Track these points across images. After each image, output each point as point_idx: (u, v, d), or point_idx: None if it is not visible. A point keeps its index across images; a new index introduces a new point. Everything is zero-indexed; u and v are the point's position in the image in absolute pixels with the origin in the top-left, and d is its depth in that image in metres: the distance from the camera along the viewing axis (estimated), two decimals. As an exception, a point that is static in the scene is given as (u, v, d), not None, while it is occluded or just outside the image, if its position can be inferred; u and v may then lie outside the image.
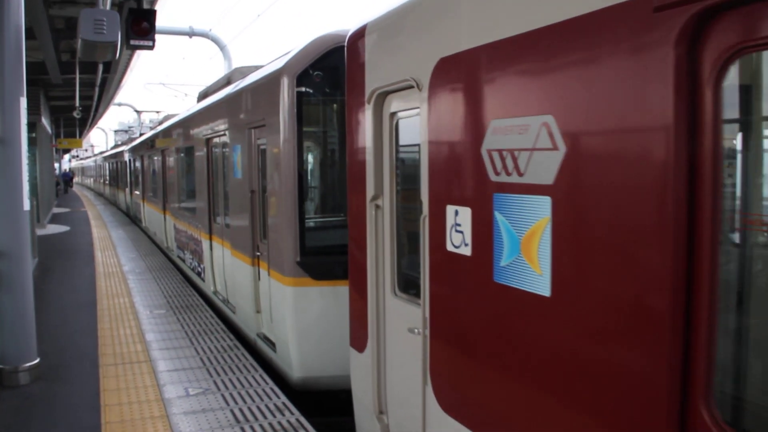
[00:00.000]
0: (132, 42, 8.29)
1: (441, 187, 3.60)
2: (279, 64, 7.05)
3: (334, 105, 6.85)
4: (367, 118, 4.57)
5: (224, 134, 9.27)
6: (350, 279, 5.08)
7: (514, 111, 2.98)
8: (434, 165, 3.65)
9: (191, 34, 20.64)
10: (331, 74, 6.61)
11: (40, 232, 17.90)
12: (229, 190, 9.16)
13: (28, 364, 6.90)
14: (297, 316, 6.59)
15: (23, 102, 6.89)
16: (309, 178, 6.92)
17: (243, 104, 8.33)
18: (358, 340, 4.92)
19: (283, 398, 6.24)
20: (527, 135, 2.88)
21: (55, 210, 31.54)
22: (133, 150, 25.78)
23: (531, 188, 2.86)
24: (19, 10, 6.87)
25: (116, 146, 45.57)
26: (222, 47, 21.58)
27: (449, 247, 3.51)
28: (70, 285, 12.29)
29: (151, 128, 28.00)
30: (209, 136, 10.43)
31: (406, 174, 4.41)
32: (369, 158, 4.58)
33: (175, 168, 14.65)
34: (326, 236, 6.90)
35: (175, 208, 14.55)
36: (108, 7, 8.79)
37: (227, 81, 10.73)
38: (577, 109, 2.61)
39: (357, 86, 4.75)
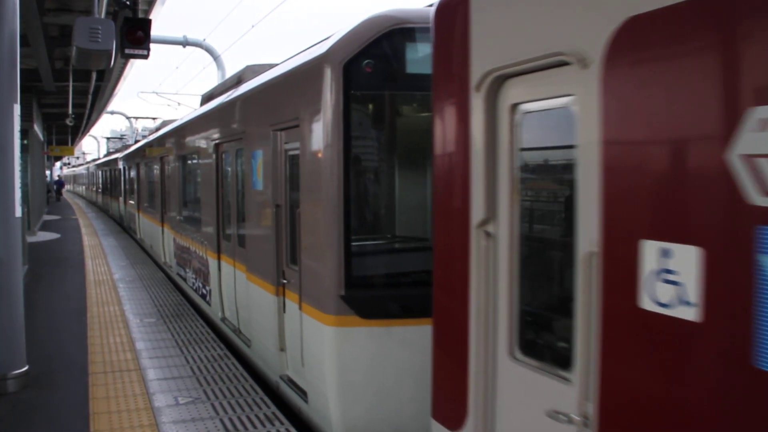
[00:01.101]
0: (127, 51, 8.32)
1: (630, 212, 2.50)
2: (319, 51, 5.70)
3: (390, 101, 5.63)
4: (472, 112, 3.38)
5: (239, 138, 7.99)
6: (437, 330, 3.89)
7: None
8: (615, 178, 2.55)
9: (185, 43, 20.72)
10: (386, 63, 5.31)
11: (30, 239, 17.83)
12: (245, 203, 7.86)
13: (16, 372, 6.86)
14: (340, 364, 5.25)
15: (17, 109, 6.89)
16: (358, 190, 5.54)
17: (267, 102, 7.18)
18: (450, 414, 3.74)
19: (273, 408, 6.23)
20: None
21: (46, 217, 31.41)
22: (128, 157, 24.36)
23: None
24: (15, 17, 6.89)
25: (109, 153, 45.10)
26: (216, 57, 21.64)
27: (646, 304, 2.42)
28: (60, 292, 12.23)
29: (145, 136, 27.85)
30: (219, 141, 9.15)
31: (537, 189, 3.39)
32: (475, 167, 3.35)
33: (176, 177, 13.13)
34: (378, 263, 5.65)
35: (176, 221, 13.05)
36: (103, 15, 8.82)
37: (237, 80, 9.51)
38: None
39: (452, 70, 3.62)
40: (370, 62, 5.22)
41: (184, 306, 10.98)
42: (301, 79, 6.06)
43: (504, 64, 3.12)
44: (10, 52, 6.81)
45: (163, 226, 15.03)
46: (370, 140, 5.69)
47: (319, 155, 5.43)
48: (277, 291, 6.58)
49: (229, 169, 8.84)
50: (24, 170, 18.40)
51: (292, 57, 7.07)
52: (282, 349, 6.62)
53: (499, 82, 3.24)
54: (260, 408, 6.23)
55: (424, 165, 5.61)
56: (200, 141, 10.56)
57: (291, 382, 6.38)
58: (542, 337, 3.35)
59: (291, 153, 6.37)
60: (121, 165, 26.80)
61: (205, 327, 9.46)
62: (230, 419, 5.95)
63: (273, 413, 6.10)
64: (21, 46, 7.07)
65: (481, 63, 3.32)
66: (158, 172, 15.60)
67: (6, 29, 6.77)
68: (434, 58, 3.86)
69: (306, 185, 5.81)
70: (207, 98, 11.55)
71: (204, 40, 21.45)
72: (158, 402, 6.38)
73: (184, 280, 12.18)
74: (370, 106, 5.59)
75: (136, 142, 29.10)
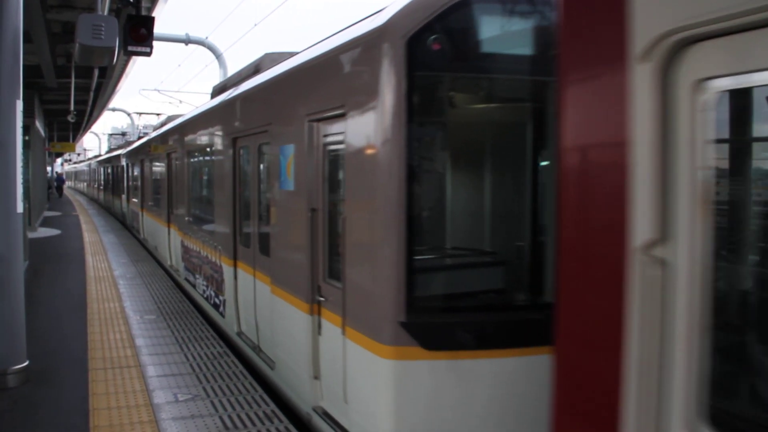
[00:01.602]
0: (130, 48, 8.33)
1: None
2: (374, 23, 4.59)
3: (463, 86, 4.71)
4: (634, 91, 2.35)
5: (263, 131, 6.92)
6: (560, 384, 2.77)
7: None
8: None
9: (187, 41, 20.75)
10: (458, 40, 4.30)
11: (31, 235, 17.84)
12: (269, 205, 6.83)
13: (17, 367, 6.88)
14: (398, 404, 4.25)
15: (19, 105, 6.91)
16: (423, 193, 4.55)
17: (301, 88, 6.12)
18: None
19: (272, 406, 6.25)
20: None
21: (47, 213, 31.43)
22: (131, 154, 23.21)
23: None
24: (18, 13, 6.90)
25: (112, 150, 44.39)
26: (218, 55, 21.67)
27: None
28: (60, 288, 12.25)
29: (147, 133, 27.67)
30: (237, 135, 8.07)
31: (736, 198, 2.46)
32: (639, 165, 2.34)
33: (184, 174, 12.13)
34: (447, 282, 4.81)
35: (185, 222, 11.90)
36: (106, 12, 8.84)
37: (255, 69, 8.51)
38: None
39: (596, 33, 2.60)
40: (439, 37, 4.18)
41: (184, 303, 11.00)
42: (350, 59, 4.97)
43: (691, 22, 2.13)
44: (13, 48, 6.83)
45: (169, 227, 13.98)
46: (437, 133, 4.73)
47: (373, 151, 4.42)
48: (312, 309, 5.56)
49: (249, 166, 7.89)
50: (25, 166, 18.49)
51: (334, 35, 5.81)
52: (316, 377, 5.59)
53: (678, 49, 2.23)
54: (259, 406, 6.24)
55: (504, 165, 4.96)
56: (213, 135, 9.61)
57: (327, 416, 5.38)
58: (740, 405, 2.46)
59: (332, 147, 5.31)
60: (123, 161, 25.88)
61: (204, 324, 9.47)
62: (229, 416, 5.97)
63: (272, 411, 6.11)
64: (24, 42, 7.08)
65: (649, 21, 2.28)
66: (165, 169, 14.51)
67: (9, 25, 6.79)
68: (564, 18, 2.79)
69: (353, 187, 4.79)
70: (219, 90, 10.56)
71: (206, 38, 21.47)
72: (158, 398, 6.40)
73: (194, 286, 11.10)
74: (439, 92, 4.59)
75: (140, 138, 28.28)
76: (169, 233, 14.00)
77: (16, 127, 6.88)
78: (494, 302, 4.64)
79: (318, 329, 5.51)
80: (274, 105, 6.82)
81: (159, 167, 15.71)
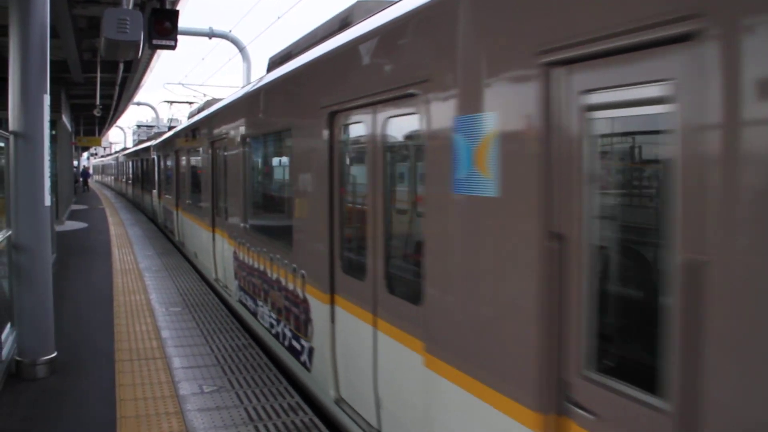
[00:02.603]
0: (154, 42, 8.37)
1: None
2: None
3: None
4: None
5: (401, 95, 4.32)
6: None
7: None
8: None
9: (211, 35, 20.84)
10: None
11: (58, 228, 18.09)
12: (427, 218, 4.05)
13: (45, 358, 6.98)
14: None
15: (47, 99, 7.00)
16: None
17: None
18: None
19: (297, 398, 6.27)
20: None
21: (74, 207, 31.85)
22: (163, 145, 20.75)
23: None
24: (45, 9, 6.98)
25: (140, 142, 42.10)
26: (241, 49, 21.75)
27: None
28: (87, 281, 12.41)
29: (172, 127, 27.47)
30: (338, 108, 5.42)
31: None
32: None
33: (238, 168, 9.34)
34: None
35: (239, 230, 9.28)
36: (131, 6, 8.89)
37: (341, 24, 6.43)
38: None
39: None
40: None
41: (209, 295, 11.07)
42: None
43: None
44: (40, 43, 6.91)
45: (214, 232, 11.47)
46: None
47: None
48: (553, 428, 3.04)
49: (356, 153, 5.42)
50: (53, 160, 18.76)
51: None
52: None
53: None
54: (284, 397, 6.27)
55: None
56: (292, 114, 6.88)
57: None
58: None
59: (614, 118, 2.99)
60: (154, 154, 23.51)
61: (230, 317, 9.50)
62: (254, 408, 6.01)
63: (297, 403, 6.14)
64: (50, 38, 7.16)
65: None
66: (207, 161, 11.93)
67: (37, 21, 6.87)
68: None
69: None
70: (281, 60, 8.21)
71: (230, 31, 21.56)
72: (183, 390, 6.46)
73: (254, 314, 8.53)
74: None
75: (171, 128, 26.33)
76: (214, 240, 11.50)
77: (44, 121, 6.96)
78: None
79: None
80: (440, 47, 3.87)
81: (199, 159, 13.36)
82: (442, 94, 3.81)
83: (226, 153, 10.28)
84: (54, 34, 9.58)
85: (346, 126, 5.50)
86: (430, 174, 3.99)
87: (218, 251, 11.12)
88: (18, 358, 6.95)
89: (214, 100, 13.87)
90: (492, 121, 3.34)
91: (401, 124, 4.59)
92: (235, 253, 9.53)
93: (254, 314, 8.51)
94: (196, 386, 6.57)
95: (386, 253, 4.76)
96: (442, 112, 3.79)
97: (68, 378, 6.89)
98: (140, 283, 12.15)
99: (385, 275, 4.74)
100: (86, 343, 8.10)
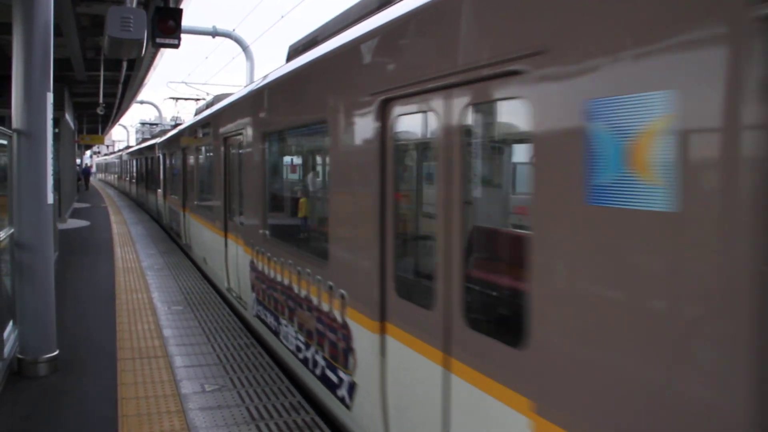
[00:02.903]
0: (158, 40, 8.38)
1: None
2: None
3: None
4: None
5: (506, 71, 3.16)
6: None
7: None
8: None
9: (214, 33, 20.80)
10: None
11: (60, 226, 18.12)
12: (531, 224, 3.03)
13: (47, 356, 6.98)
14: None
15: (50, 97, 6.99)
16: None
17: None
18: None
19: (299, 397, 6.26)
20: None
21: (76, 205, 31.88)
22: (169, 143, 19.59)
23: None
24: (48, 7, 6.97)
25: (144, 140, 41.02)
26: (245, 48, 21.72)
27: None
28: (89, 279, 12.41)
29: (176, 125, 27.34)
30: (394, 94, 4.36)
31: None
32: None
33: (257, 167, 8.15)
34: None
35: (258, 237, 8.09)
36: (135, 5, 8.90)
37: (380, 3, 5.45)
38: None
39: None
40: None
41: (211, 294, 11.07)
42: None
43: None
44: (44, 41, 6.90)
45: (227, 238, 10.34)
46: None
47: None
48: None
49: (442, 155, 3.87)
50: (56, 158, 18.78)
51: None
52: None
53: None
54: (286, 397, 6.26)
55: None
56: (328, 104, 5.67)
57: None
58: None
59: None
60: (159, 152, 22.41)
61: (231, 315, 9.50)
62: (256, 407, 6.00)
63: (299, 402, 6.13)
64: (54, 35, 7.16)
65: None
66: (220, 159, 10.76)
67: (40, 19, 6.86)
68: None
69: None
70: (304, 47, 7.18)
71: (233, 30, 21.54)
72: (185, 389, 6.45)
73: (275, 334, 7.42)
74: None
75: (177, 125, 25.20)
76: (226, 246, 10.36)
77: (47, 119, 6.96)
78: None
79: None
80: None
81: (210, 157, 12.25)
82: (567, 69, 2.79)
83: (241, 150, 9.09)
84: (57, 32, 9.59)
85: (406, 116, 4.41)
86: (542, 178, 2.94)
87: (231, 259, 9.95)
88: (20, 356, 6.95)
89: (225, 95, 12.64)
90: (664, 103, 2.29)
91: (492, 112, 3.75)
92: (252, 262, 8.43)
93: (275, 333, 7.40)
94: (197, 385, 6.56)
95: (464, 277, 3.70)
96: (567, 94, 2.77)
97: (70, 376, 6.89)
98: (142, 282, 12.15)
99: (463, 304, 3.70)
100: (88, 342, 8.10)
